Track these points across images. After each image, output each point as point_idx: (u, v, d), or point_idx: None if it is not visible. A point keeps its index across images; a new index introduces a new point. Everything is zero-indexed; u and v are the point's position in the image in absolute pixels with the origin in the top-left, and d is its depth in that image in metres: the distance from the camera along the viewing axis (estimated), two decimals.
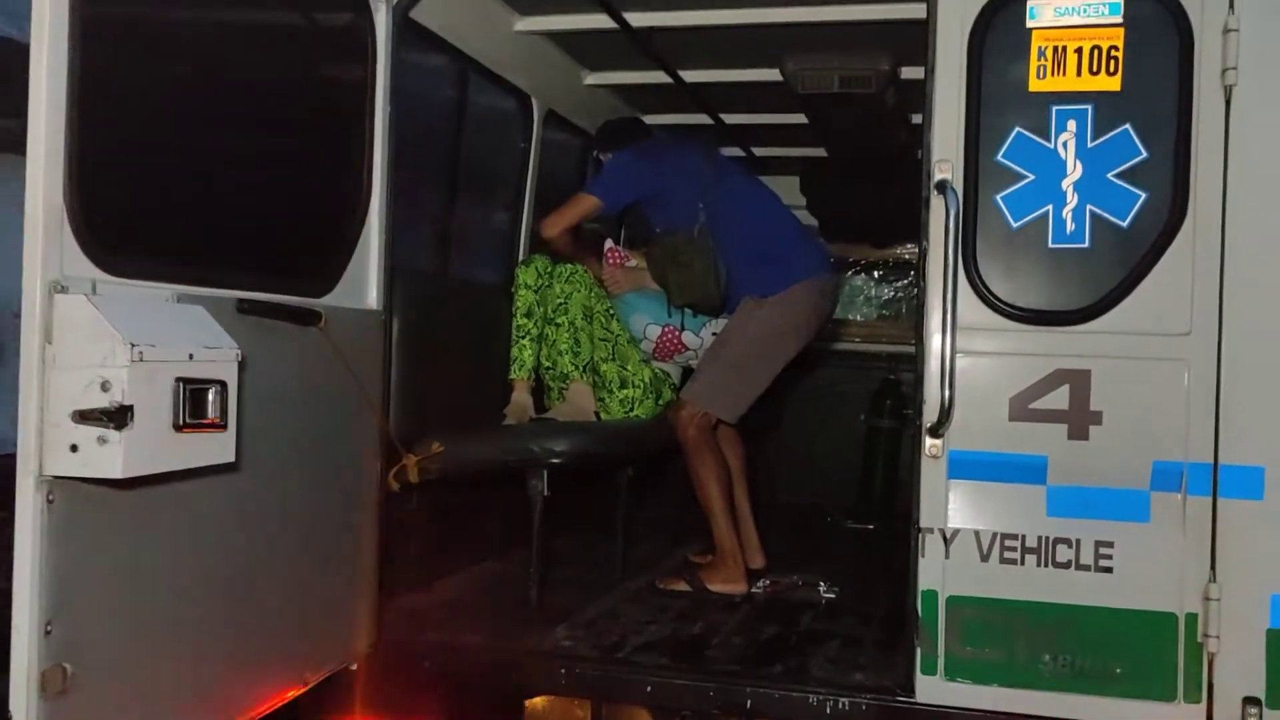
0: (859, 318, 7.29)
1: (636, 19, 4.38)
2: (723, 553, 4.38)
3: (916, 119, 5.28)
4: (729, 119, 5.84)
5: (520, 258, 5.04)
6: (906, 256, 7.16)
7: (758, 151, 6.55)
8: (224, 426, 2.35)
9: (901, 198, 6.33)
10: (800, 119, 5.19)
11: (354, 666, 3.42)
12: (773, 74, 4.57)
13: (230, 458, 2.42)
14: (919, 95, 4.80)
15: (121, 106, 2.36)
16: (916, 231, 6.89)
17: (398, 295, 3.67)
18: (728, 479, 4.48)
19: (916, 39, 3.77)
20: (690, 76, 5.09)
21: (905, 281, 7.24)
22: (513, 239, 5.14)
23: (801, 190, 6.49)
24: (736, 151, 6.41)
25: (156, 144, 2.48)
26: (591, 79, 5.30)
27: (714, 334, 4.65)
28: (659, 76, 5.04)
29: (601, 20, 4.34)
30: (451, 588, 4.26)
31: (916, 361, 3.21)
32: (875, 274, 7.30)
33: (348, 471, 3.33)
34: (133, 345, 2.09)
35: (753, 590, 4.37)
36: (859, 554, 5.50)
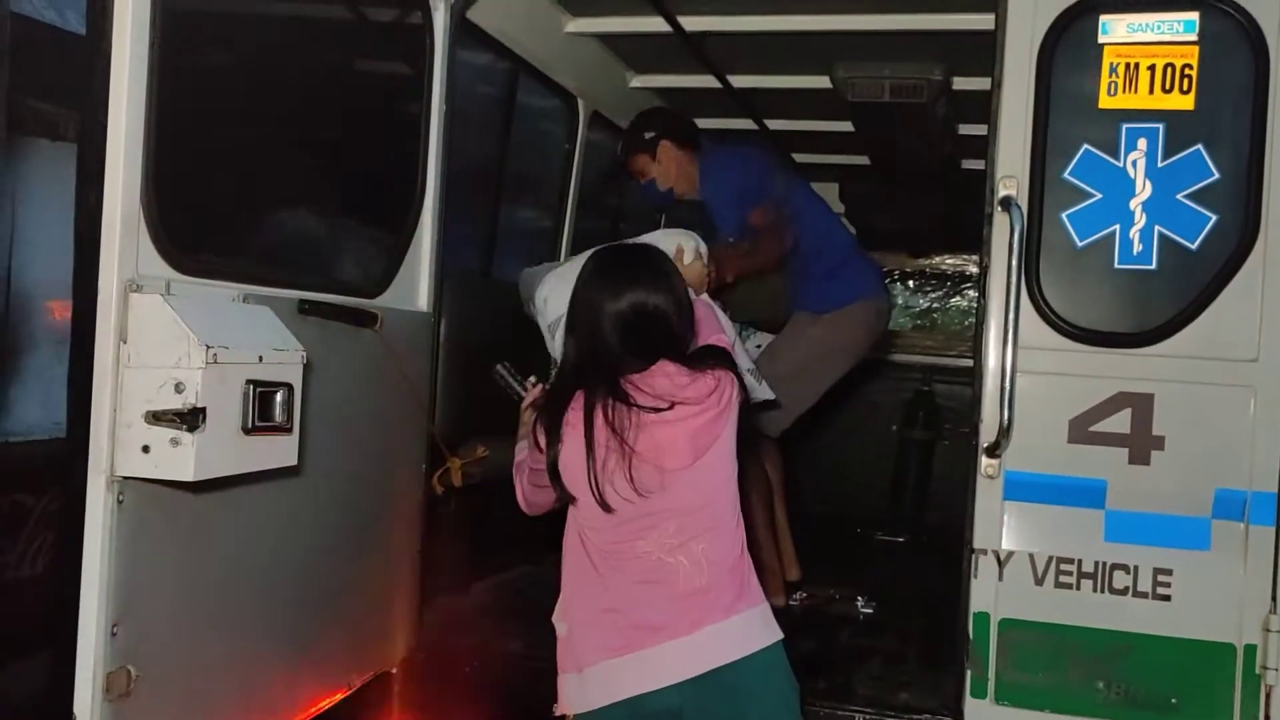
0: (893, 327, 7.23)
1: (689, 23, 4.34)
2: (761, 566, 4.33)
3: (964, 130, 5.32)
4: (772, 124, 5.80)
5: (562, 258, 5.01)
6: (943, 267, 7.11)
7: (798, 158, 6.50)
8: (289, 430, 2.32)
9: (942, 208, 6.43)
10: (844, 126, 5.16)
11: (393, 670, 3.39)
12: (821, 81, 4.53)
13: (293, 461, 2.40)
14: (969, 106, 4.87)
15: (196, 108, 2.34)
16: (954, 242, 6.92)
17: (446, 297, 3.64)
18: (768, 492, 4.44)
19: (969, 49, 3.76)
20: (738, 82, 5.04)
21: (940, 292, 7.18)
22: (556, 240, 5.11)
23: (840, 198, 6.46)
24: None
25: (226, 145, 2.46)
26: (637, 81, 5.27)
27: (757, 346, 4.59)
28: (704, 80, 5.00)
29: (652, 23, 4.30)
30: (490, 592, 4.24)
31: (974, 379, 3.16)
32: (910, 284, 7.24)
33: (395, 474, 3.31)
34: (208, 347, 2.07)
35: (790, 603, 4.33)
36: (891, 567, 5.46)
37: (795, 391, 4.27)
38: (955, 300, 7.18)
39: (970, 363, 6.63)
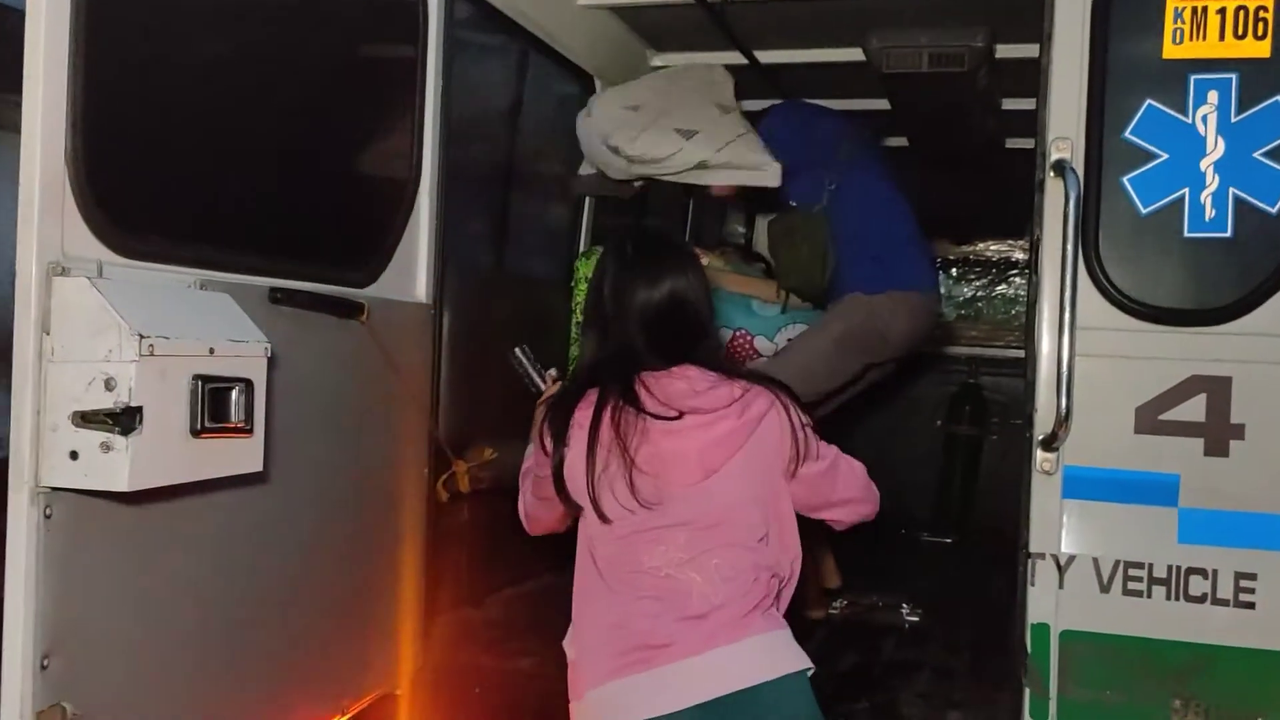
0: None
1: None
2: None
3: (1008, 105, 5.01)
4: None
5: (581, 249, 4.74)
6: (988, 253, 6.81)
7: None
8: (250, 431, 2.05)
9: (985, 190, 6.13)
10: (881, 104, 4.88)
11: (398, 692, 3.14)
12: (855, 54, 4.23)
13: (257, 466, 2.13)
14: (1013, 77, 4.58)
15: (139, 56, 2.06)
16: (999, 227, 6.63)
17: (448, 288, 3.37)
18: None
19: (1014, 11, 3.46)
20: (765, 58, 4.75)
21: (986, 280, 6.88)
22: (573, 229, 4.83)
23: None
24: None
25: (180, 104, 2.18)
26: (658, 59, 4.98)
27: (789, 339, 4.32)
28: (729, 57, 4.71)
29: None
30: (504, 605, 3.97)
31: (1026, 365, 2.86)
32: (954, 271, 6.94)
33: (392, 480, 3.04)
34: (141, 337, 1.80)
35: (829, 613, 4.04)
36: (938, 570, 5.17)
37: (817, 375, 4.07)
38: (1001, 288, 6.89)
39: (1019, 353, 6.45)
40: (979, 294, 6.93)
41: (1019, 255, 6.82)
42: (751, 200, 5.70)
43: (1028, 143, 5.60)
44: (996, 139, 5.45)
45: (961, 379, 6.48)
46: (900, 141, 5.63)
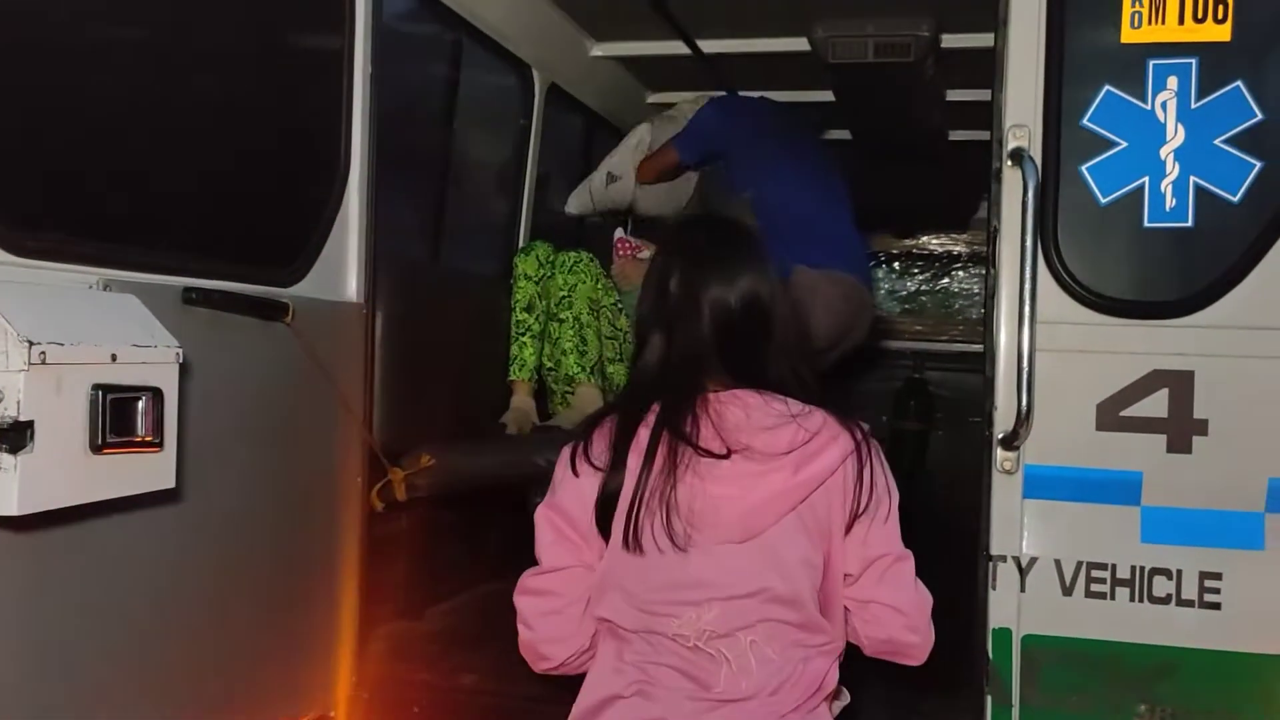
0: (880, 312, 6.88)
1: None
2: None
3: (952, 96, 4.94)
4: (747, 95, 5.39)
5: (519, 245, 4.58)
6: (931, 247, 6.76)
7: None
8: (159, 445, 1.88)
9: (929, 184, 6.07)
10: (824, 96, 4.79)
11: (332, 714, 2.96)
12: (800, 44, 4.13)
13: (169, 483, 1.94)
14: (958, 68, 4.51)
15: (31, 36, 1.88)
16: (942, 221, 6.58)
17: (381, 286, 3.20)
18: None
19: (958, 2, 3.37)
20: (708, 47, 4.63)
21: (929, 274, 6.83)
22: (512, 224, 4.67)
23: None
24: None
25: (81, 89, 2.00)
26: (598, 50, 4.84)
27: None
28: (671, 46, 4.60)
29: None
30: (444, 617, 3.81)
31: (985, 361, 2.76)
32: (897, 266, 6.88)
33: (323, 491, 2.87)
34: (31, 343, 1.62)
35: None
36: None
37: None
38: (944, 282, 6.83)
39: (964, 348, 6.45)
40: (922, 288, 6.87)
41: (961, 249, 6.78)
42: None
43: (973, 135, 5.61)
44: (941, 131, 5.38)
45: (907, 374, 6.41)
46: (843, 135, 5.54)
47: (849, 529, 1.91)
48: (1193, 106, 2.59)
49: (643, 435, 1.86)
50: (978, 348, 6.40)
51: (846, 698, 2.02)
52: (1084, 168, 2.65)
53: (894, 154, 5.64)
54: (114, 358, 1.80)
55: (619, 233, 4.70)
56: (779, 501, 1.82)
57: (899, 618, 1.95)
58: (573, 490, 1.91)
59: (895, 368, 6.42)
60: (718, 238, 2.02)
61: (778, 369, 1.93)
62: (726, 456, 1.82)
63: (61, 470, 1.70)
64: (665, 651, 1.86)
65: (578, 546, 1.91)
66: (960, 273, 6.75)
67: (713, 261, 1.95)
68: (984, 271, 6.80)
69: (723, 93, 5.09)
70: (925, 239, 6.80)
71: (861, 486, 1.88)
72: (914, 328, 6.63)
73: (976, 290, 6.72)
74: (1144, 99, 2.62)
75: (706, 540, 1.83)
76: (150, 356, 1.88)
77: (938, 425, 6.34)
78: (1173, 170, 2.60)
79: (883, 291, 6.80)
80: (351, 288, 2.97)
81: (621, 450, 1.86)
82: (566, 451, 1.95)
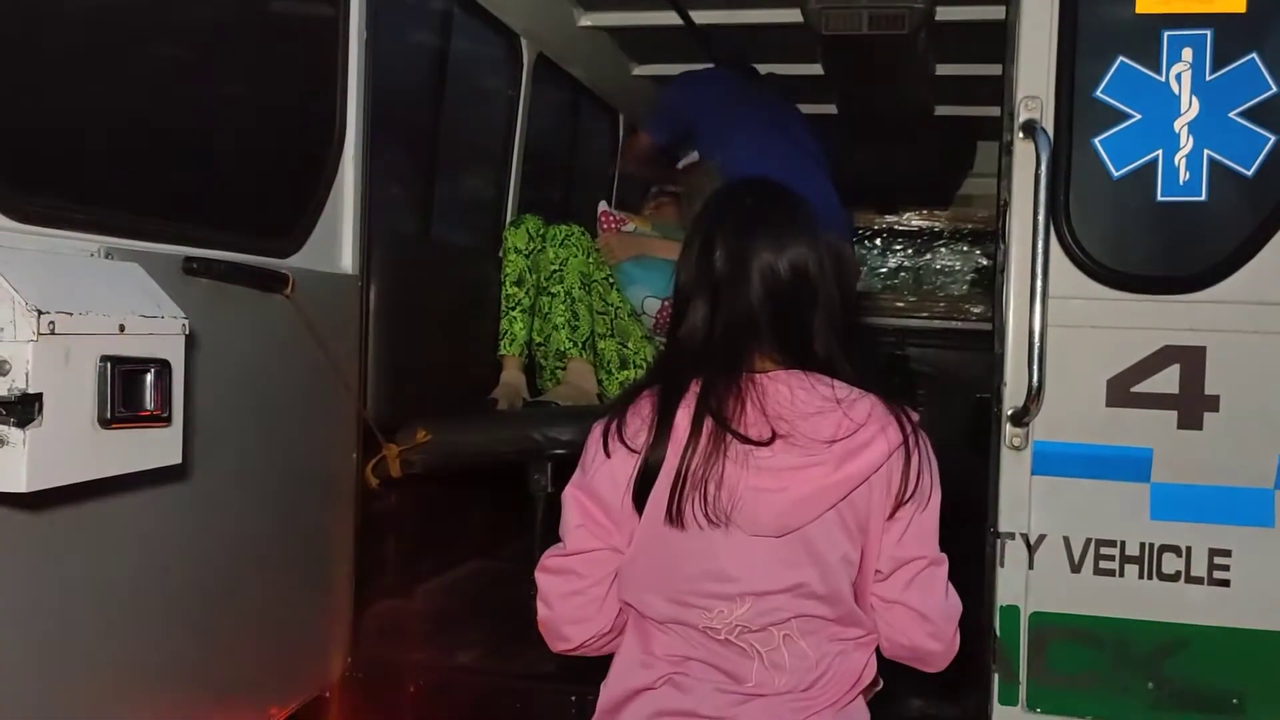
0: (862, 289, 6.86)
1: None
2: None
3: (942, 71, 4.90)
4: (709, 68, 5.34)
5: (508, 218, 4.50)
6: (913, 224, 6.75)
7: None
8: (167, 420, 1.80)
9: (913, 159, 6.04)
10: (811, 69, 4.76)
11: (327, 695, 2.91)
12: (793, 15, 4.08)
13: (176, 459, 1.87)
14: (949, 43, 4.47)
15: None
16: (925, 197, 6.57)
17: (375, 258, 3.13)
18: None
19: None
20: (700, 18, 4.56)
21: (911, 250, 6.81)
22: (500, 197, 4.59)
23: None
24: None
25: (82, 56, 1.93)
26: (586, 20, 4.76)
27: None
28: (663, 16, 4.53)
29: None
30: (438, 594, 3.75)
31: (994, 337, 2.73)
32: (879, 242, 6.86)
33: (320, 466, 2.81)
34: (40, 313, 1.55)
35: None
36: None
37: None
38: (926, 258, 6.82)
39: (945, 324, 6.45)
40: (904, 264, 6.86)
41: (943, 226, 6.78)
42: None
43: (958, 110, 5.58)
44: (928, 106, 5.35)
45: (889, 350, 6.40)
46: (829, 109, 5.48)
47: (889, 518, 1.81)
48: (1207, 79, 2.56)
49: (682, 416, 1.76)
50: (959, 324, 6.47)
51: (880, 685, 1.96)
52: (1097, 140, 2.62)
53: (879, 129, 5.62)
54: (122, 328, 1.72)
55: (602, 205, 4.62)
56: (819, 499, 1.73)
57: (924, 624, 1.84)
58: (605, 471, 1.81)
59: (878, 345, 6.41)
60: (766, 201, 1.90)
61: (825, 345, 1.81)
62: (769, 443, 1.72)
63: (70, 445, 1.62)
64: (695, 644, 1.79)
65: (606, 529, 1.82)
66: (943, 249, 6.75)
67: (762, 226, 1.82)
68: (964, 249, 6.88)
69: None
70: (907, 215, 6.78)
71: (905, 484, 1.78)
72: (895, 304, 6.62)
73: (958, 266, 6.72)
74: (1158, 70, 2.59)
75: (743, 532, 1.75)
76: (157, 328, 1.80)
77: (919, 401, 6.33)
78: (1186, 143, 2.57)
79: (864, 268, 6.78)
80: (346, 259, 2.90)
81: (662, 432, 1.76)
82: (598, 430, 1.84)
